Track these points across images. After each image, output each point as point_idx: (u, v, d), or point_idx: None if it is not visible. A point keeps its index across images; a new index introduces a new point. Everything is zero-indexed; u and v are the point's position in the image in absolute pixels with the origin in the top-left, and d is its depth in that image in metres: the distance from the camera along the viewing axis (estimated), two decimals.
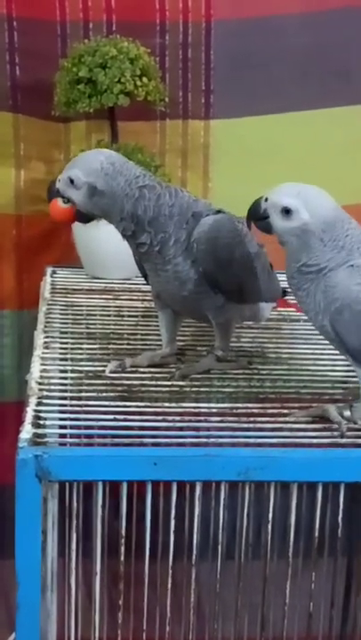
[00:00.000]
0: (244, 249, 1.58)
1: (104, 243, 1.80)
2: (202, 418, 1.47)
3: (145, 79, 1.98)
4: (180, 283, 1.58)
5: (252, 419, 1.47)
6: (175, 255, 1.55)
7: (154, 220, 1.54)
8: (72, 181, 1.55)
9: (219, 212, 1.58)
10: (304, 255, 1.42)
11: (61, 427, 1.42)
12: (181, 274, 1.57)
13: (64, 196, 1.57)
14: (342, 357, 1.51)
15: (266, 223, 1.44)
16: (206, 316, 1.63)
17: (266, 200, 1.43)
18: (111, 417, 1.44)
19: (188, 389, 1.56)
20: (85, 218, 1.59)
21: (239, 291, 1.60)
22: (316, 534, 1.42)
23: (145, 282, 1.67)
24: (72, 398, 1.51)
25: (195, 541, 1.41)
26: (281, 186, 1.43)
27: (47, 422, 1.41)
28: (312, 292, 1.42)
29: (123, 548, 1.39)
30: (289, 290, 1.55)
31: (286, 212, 1.41)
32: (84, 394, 1.53)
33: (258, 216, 1.45)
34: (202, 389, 1.57)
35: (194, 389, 1.57)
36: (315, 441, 1.42)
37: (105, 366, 1.61)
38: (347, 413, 1.46)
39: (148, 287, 1.69)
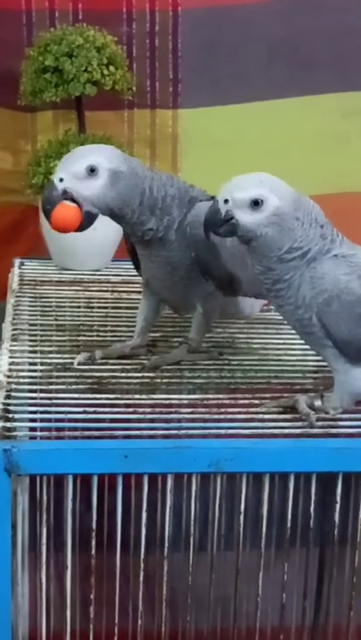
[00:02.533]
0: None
1: (72, 233, 1.76)
2: (173, 409, 1.46)
3: (112, 68, 1.97)
4: (172, 268, 1.57)
5: (223, 409, 1.46)
6: (173, 240, 1.54)
7: (162, 201, 1.52)
8: (92, 170, 1.46)
9: (213, 197, 1.56)
10: (287, 240, 1.39)
11: (31, 420, 1.41)
12: (174, 259, 1.55)
13: (72, 195, 1.46)
14: None
15: (230, 225, 1.39)
16: (193, 305, 1.62)
17: (226, 202, 1.38)
18: (81, 409, 1.43)
19: (158, 381, 1.56)
20: (90, 219, 1.49)
21: (230, 280, 1.59)
22: (289, 525, 1.42)
23: (135, 269, 1.66)
24: (42, 391, 1.50)
25: (166, 533, 1.40)
26: (235, 182, 1.39)
27: (16, 415, 1.40)
28: (295, 283, 1.40)
29: (94, 542, 1.38)
30: None
31: (255, 203, 1.37)
32: (53, 386, 1.52)
33: (220, 222, 1.39)
34: (173, 380, 1.56)
35: (165, 381, 1.56)
36: (286, 431, 1.41)
37: (75, 358, 1.59)
38: (318, 403, 1.45)
39: (117, 278, 1.69)
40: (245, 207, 1.38)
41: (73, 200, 1.47)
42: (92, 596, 1.42)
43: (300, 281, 1.40)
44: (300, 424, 1.43)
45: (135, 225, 1.53)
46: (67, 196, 1.47)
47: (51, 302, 1.85)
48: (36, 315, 1.78)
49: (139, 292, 1.72)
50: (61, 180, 1.46)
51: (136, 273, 1.67)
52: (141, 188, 1.50)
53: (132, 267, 1.67)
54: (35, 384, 1.52)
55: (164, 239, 1.54)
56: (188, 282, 1.58)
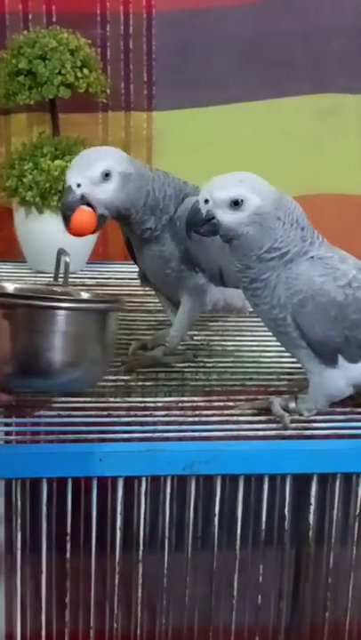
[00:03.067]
0: None
1: (47, 236, 1.77)
2: (148, 412, 1.46)
3: (86, 71, 1.96)
4: (164, 261, 1.58)
5: (197, 412, 1.47)
6: (166, 235, 1.56)
7: (163, 201, 1.55)
8: (107, 175, 1.49)
9: None
10: (267, 239, 1.39)
11: (6, 424, 1.41)
12: (166, 252, 1.57)
13: (89, 200, 1.49)
14: None
15: (211, 225, 1.39)
16: (182, 297, 1.63)
17: (206, 201, 1.39)
18: (55, 413, 1.43)
19: (133, 383, 1.56)
20: (103, 222, 1.52)
21: (220, 272, 1.60)
22: (263, 526, 1.43)
23: (133, 262, 1.67)
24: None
25: (141, 536, 1.40)
26: (215, 181, 1.40)
27: None
28: (271, 283, 1.41)
29: (69, 545, 1.38)
30: None
31: (235, 203, 1.38)
32: None
33: (201, 222, 1.40)
34: (148, 383, 1.57)
35: (140, 383, 1.56)
36: (260, 433, 1.42)
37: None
38: (292, 405, 1.46)
39: (92, 281, 1.68)
40: (226, 207, 1.38)
41: (88, 204, 1.49)
42: (67, 600, 1.42)
43: (277, 281, 1.41)
44: (274, 426, 1.44)
45: (136, 224, 1.55)
46: (83, 200, 1.49)
47: None
48: None
49: (113, 295, 1.72)
50: (79, 185, 1.48)
51: (110, 276, 1.67)
52: (146, 190, 1.54)
53: (107, 269, 1.68)
54: None
55: (159, 236, 1.56)
56: (180, 274, 1.59)
